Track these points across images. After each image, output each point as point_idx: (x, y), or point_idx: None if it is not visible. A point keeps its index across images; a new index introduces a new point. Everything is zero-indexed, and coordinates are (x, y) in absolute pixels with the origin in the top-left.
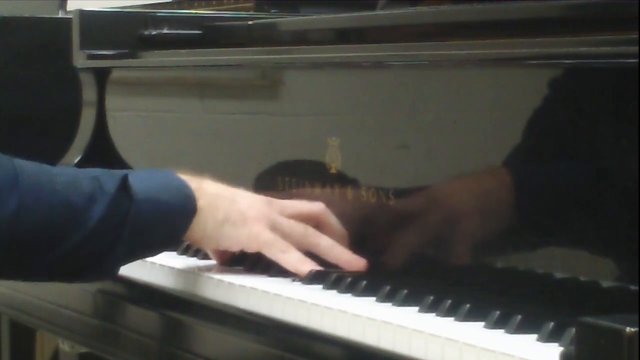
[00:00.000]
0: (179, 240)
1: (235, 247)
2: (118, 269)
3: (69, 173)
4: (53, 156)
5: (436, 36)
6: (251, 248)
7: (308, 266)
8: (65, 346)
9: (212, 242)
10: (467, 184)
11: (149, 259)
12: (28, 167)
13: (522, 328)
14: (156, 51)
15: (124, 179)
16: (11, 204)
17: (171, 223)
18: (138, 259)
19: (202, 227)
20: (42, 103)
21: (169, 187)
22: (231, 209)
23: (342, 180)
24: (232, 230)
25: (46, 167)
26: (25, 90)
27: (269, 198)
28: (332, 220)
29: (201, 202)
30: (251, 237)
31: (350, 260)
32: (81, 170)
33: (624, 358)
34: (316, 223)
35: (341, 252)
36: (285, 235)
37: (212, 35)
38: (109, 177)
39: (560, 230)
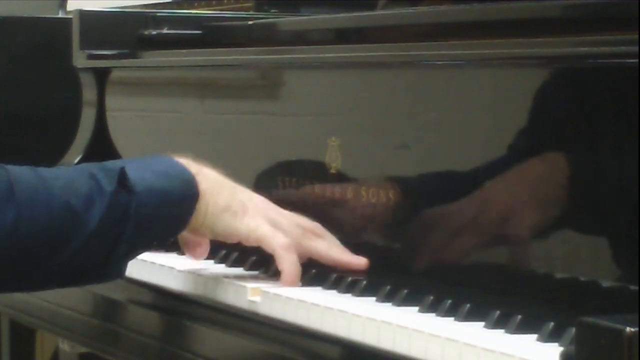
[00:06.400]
0: (185, 226)
1: (232, 238)
2: (125, 266)
3: (64, 175)
4: (53, 156)
5: (436, 36)
6: (249, 240)
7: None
8: (65, 346)
9: (210, 230)
10: (466, 185)
11: (149, 259)
12: (23, 175)
13: (522, 328)
14: (156, 51)
15: (122, 173)
16: (8, 216)
17: (175, 210)
18: (144, 251)
19: (203, 212)
20: (42, 103)
21: (168, 174)
22: (233, 198)
23: (342, 180)
24: (231, 220)
25: (41, 171)
26: (25, 90)
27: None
28: (328, 235)
29: (203, 186)
30: (250, 229)
31: (350, 261)
32: (75, 168)
33: (624, 358)
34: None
35: (339, 254)
36: (284, 234)
37: (212, 35)
38: (105, 173)
39: (560, 230)
